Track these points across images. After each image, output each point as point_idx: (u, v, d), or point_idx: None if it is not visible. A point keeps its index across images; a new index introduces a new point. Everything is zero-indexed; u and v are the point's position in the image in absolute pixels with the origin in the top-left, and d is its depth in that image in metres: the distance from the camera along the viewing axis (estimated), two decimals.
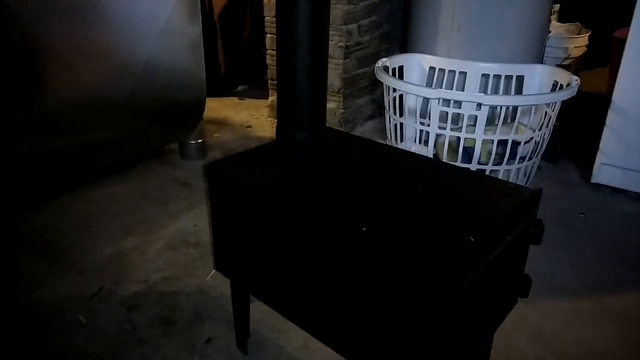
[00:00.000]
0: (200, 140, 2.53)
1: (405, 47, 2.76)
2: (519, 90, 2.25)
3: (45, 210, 2.08)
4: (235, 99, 3.49)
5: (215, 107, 3.25)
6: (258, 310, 1.50)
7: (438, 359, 0.90)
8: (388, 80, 2.05)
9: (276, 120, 1.22)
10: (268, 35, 2.84)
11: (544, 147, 2.04)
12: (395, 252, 0.89)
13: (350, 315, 1.01)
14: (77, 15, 1.86)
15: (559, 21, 3.64)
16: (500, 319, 1.12)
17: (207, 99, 2.45)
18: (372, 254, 0.92)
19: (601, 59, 3.56)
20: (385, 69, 2.18)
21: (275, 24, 1.16)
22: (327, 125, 1.25)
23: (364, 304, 0.97)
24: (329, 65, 2.63)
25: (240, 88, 3.67)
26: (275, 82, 1.16)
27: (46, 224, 1.99)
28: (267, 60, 2.93)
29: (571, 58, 3.29)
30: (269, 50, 2.89)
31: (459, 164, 1.93)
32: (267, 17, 2.81)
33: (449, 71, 2.32)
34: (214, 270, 1.72)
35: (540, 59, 2.52)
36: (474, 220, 0.99)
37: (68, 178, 2.26)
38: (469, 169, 1.80)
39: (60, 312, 1.54)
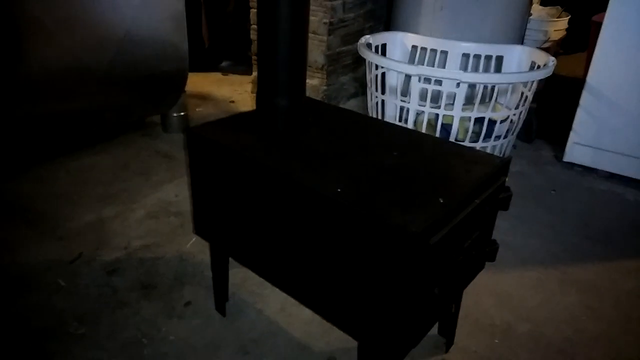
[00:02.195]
0: (182, 113, 2.53)
1: (389, 26, 2.77)
2: (498, 70, 2.30)
3: (25, 179, 2.07)
4: (218, 75, 3.47)
5: (199, 82, 3.24)
6: (237, 276, 1.54)
7: (410, 314, 0.95)
8: (370, 57, 2.07)
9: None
10: (252, 10, 2.82)
11: (519, 126, 2.09)
12: (368, 211, 0.93)
13: (326, 275, 1.05)
14: None
15: (540, 4, 3.69)
16: (468, 280, 1.18)
17: (191, 73, 2.44)
18: (345, 213, 0.96)
19: (580, 44, 3.64)
20: (368, 46, 2.20)
21: None
22: None
23: (339, 264, 1.01)
24: (312, 41, 2.66)
25: (224, 64, 3.65)
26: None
27: (25, 192, 1.98)
28: (252, 36, 2.92)
29: (551, 41, 3.34)
30: (253, 26, 2.88)
31: None
32: None
33: (431, 50, 2.35)
34: (194, 238, 1.74)
35: (520, 41, 2.56)
36: (445, 184, 1.04)
37: (48, 147, 2.25)
38: (443, 139, 1.84)
39: (40, 275, 1.55)
